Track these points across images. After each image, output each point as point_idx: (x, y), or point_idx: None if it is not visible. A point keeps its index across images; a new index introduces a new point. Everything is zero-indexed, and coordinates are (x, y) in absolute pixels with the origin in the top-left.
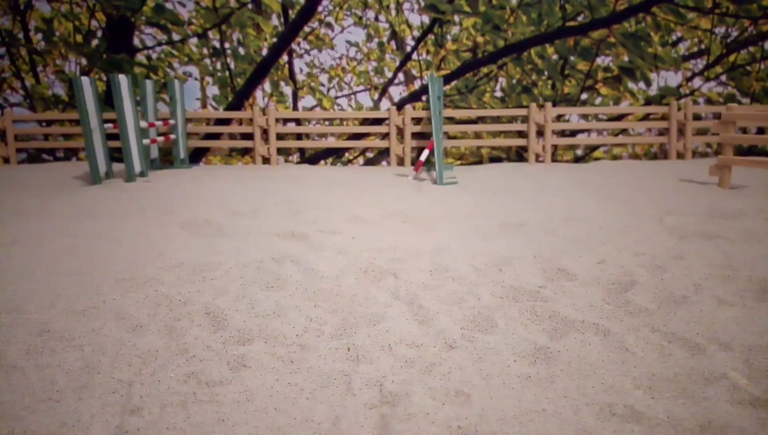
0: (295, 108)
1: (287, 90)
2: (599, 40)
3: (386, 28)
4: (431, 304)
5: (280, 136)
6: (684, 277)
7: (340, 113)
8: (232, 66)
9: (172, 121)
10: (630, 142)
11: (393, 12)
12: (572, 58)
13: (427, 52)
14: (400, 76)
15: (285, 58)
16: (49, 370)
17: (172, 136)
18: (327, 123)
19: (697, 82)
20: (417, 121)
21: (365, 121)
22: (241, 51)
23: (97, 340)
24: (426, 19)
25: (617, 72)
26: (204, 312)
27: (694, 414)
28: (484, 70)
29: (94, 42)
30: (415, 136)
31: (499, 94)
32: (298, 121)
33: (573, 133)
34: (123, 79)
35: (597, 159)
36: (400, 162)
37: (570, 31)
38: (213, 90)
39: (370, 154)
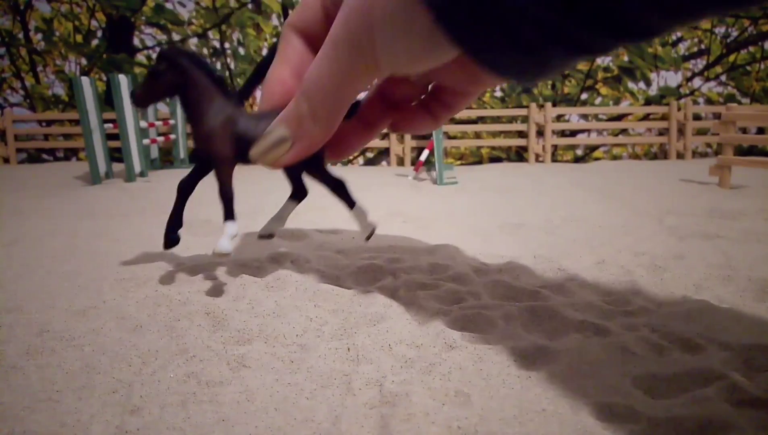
0: None
1: None
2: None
3: None
4: (431, 304)
5: None
6: (684, 277)
7: None
8: (232, 66)
9: (172, 121)
10: (630, 142)
11: None
12: None
13: None
14: None
15: None
16: (49, 370)
17: (172, 136)
18: None
19: (697, 82)
20: None
21: None
22: (241, 51)
23: (97, 340)
24: None
25: (617, 72)
26: (204, 312)
27: (694, 414)
28: None
29: (94, 42)
30: (415, 136)
31: (499, 94)
32: None
33: (573, 133)
34: (123, 79)
35: (597, 159)
36: (400, 162)
37: None
38: None
39: (370, 154)
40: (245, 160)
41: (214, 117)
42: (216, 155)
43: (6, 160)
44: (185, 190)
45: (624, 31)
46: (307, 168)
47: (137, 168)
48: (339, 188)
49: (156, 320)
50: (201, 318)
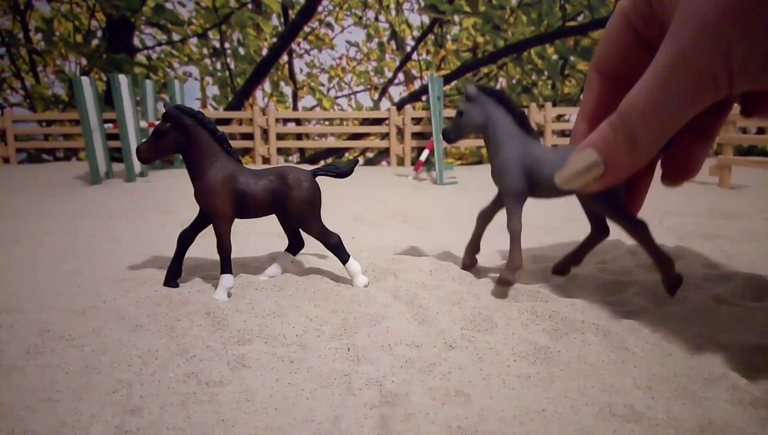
0: (295, 108)
1: (287, 90)
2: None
3: (386, 28)
4: (431, 304)
5: (280, 136)
6: (684, 277)
7: (340, 113)
8: (232, 66)
9: None
10: None
11: (393, 12)
12: (572, 58)
13: (427, 52)
14: (400, 76)
15: (285, 58)
16: (49, 370)
17: None
18: (327, 123)
19: None
20: (417, 121)
21: (365, 121)
22: (241, 51)
23: (97, 340)
24: (426, 19)
25: None
26: (204, 312)
27: (694, 414)
28: (484, 70)
29: (94, 42)
30: (415, 136)
31: None
32: (298, 121)
33: None
34: (123, 79)
35: None
36: (400, 162)
37: (570, 31)
38: (213, 90)
39: (370, 154)
40: (243, 215)
41: (215, 174)
42: (215, 212)
43: (6, 160)
44: (185, 240)
45: None
46: (307, 229)
47: (137, 168)
48: (334, 244)
49: (156, 320)
50: (201, 318)
